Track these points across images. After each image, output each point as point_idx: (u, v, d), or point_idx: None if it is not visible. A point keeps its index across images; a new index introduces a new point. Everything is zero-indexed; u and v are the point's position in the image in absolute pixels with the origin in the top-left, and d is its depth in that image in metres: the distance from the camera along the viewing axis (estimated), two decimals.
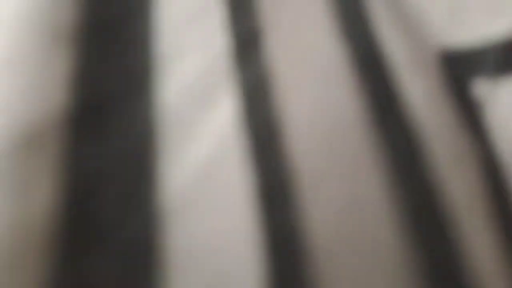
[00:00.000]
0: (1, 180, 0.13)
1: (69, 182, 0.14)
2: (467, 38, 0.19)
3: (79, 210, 0.13)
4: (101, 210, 0.13)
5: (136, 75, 0.17)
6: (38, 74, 0.15)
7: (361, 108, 0.15)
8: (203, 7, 0.19)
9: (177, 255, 0.13)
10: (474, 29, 0.19)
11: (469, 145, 0.16)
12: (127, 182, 0.14)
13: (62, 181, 0.13)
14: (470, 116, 0.17)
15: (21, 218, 0.12)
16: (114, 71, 0.16)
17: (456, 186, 0.15)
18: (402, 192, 0.14)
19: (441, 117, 0.16)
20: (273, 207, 0.14)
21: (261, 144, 0.15)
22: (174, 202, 0.14)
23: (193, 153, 0.15)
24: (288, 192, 0.14)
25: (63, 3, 0.17)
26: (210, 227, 0.14)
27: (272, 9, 0.19)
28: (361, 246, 0.13)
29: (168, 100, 0.16)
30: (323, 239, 0.13)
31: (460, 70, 0.18)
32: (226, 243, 0.13)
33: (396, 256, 0.12)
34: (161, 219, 0.14)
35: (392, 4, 0.19)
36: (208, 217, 0.14)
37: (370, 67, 0.16)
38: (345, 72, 0.16)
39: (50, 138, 0.14)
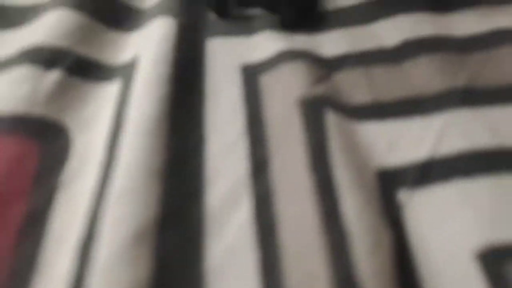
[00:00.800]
0: (118, 265, 0.23)
1: (156, 261, 0.24)
2: (397, 161, 0.29)
3: (166, 271, 0.24)
4: (170, 274, 0.24)
5: (191, 190, 0.28)
6: (137, 199, 0.26)
7: (318, 216, 0.26)
8: (233, 142, 0.30)
9: None
10: (403, 155, 0.29)
11: (387, 236, 0.25)
12: (187, 258, 0.25)
13: (152, 260, 0.25)
14: (393, 216, 0.26)
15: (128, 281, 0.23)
16: (178, 192, 0.27)
17: (374, 263, 0.24)
18: (340, 266, 0.24)
19: (370, 218, 0.25)
20: (267, 277, 0.24)
21: (265, 234, 0.25)
22: (212, 270, 0.24)
23: (223, 240, 0.26)
24: (278, 266, 0.24)
25: (152, 150, 0.28)
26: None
27: (276, 143, 0.30)
28: None
29: (211, 205, 0.27)
30: None
31: (389, 183, 0.28)
32: None
33: None
34: (203, 281, 0.24)
35: (346, 137, 0.29)
36: (233, 280, 0.24)
37: (325, 187, 0.26)
38: (310, 191, 0.26)
39: (145, 237, 0.25)
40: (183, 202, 0.27)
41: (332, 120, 0.30)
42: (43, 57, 0.33)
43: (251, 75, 0.34)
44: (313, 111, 0.31)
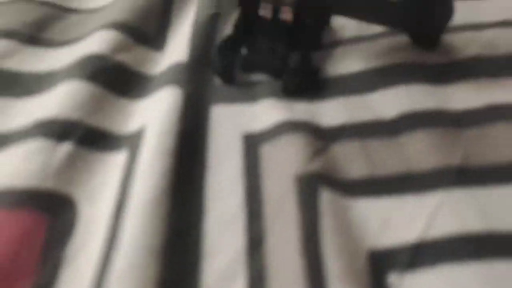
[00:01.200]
0: None
1: None
2: (389, 241, 0.29)
3: None
4: None
5: (188, 267, 0.29)
6: (136, 279, 0.27)
7: None
8: (231, 216, 0.31)
9: None
10: (395, 235, 0.30)
11: None
12: None
13: None
14: None
15: None
16: (175, 270, 0.29)
17: None
18: None
19: None
20: None
21: None
22: None
23: None
24: None
25: (153, 228, 0.30)
26: None
27: (271, 220, 0.31)
28: None
29: (207, 283, 0.28)
30: None
31: (380, 266, 0.28)
32: None
33: None
34: None
35: (339, 217, 0.30)
36: None
37: (314, 275, 0.28)
38: (301, 277, 0.28)
39: None
40: (181, 279, 0.29)
41: (326, 199, 0.31)
42: (56, 130, 0.35)
43: (252, 145, 0.35)
44: (308, 189, 0.32)
